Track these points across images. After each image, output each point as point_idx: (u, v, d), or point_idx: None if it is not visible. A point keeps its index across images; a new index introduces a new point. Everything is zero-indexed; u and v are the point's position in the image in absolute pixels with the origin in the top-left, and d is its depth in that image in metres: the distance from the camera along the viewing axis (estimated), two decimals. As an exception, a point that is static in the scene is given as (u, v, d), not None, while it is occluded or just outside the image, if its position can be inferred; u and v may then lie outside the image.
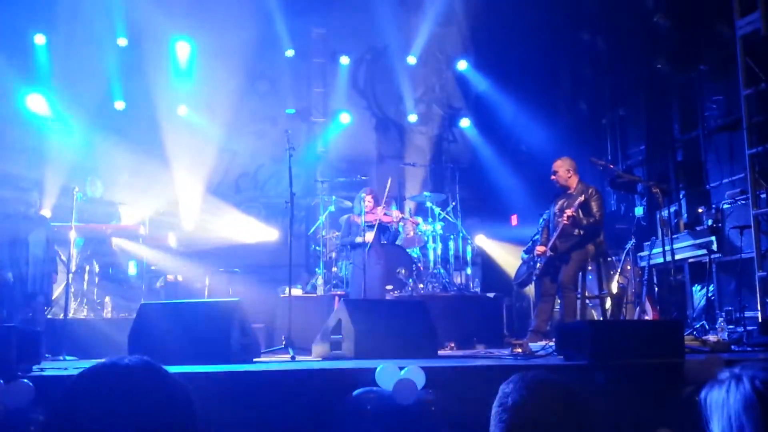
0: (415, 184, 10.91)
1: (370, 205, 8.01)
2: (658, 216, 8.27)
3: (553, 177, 6.79)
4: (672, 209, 8.64)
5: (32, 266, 7.10)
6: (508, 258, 10.00)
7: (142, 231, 8.16)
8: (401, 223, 8.49)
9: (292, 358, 5.31)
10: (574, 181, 6.73)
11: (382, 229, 8.05)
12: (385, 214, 8.06)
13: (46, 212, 8.08)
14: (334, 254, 8.98)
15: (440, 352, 5.68)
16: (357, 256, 7.82)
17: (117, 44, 10.16)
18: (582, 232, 6.49)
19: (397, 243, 8.59)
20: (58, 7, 9.61)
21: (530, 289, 8.85)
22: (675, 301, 8.00)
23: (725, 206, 7.63)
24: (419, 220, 8.91)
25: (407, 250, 8.55)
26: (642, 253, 8.58)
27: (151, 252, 8.45)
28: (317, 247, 9.10)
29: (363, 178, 9.63)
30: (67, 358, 5.88)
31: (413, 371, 2.98)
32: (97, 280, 8.10)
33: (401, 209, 9.19)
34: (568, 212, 6.38)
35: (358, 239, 7.86)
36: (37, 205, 7.43)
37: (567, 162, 6.80)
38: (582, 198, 6.41)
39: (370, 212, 7.96)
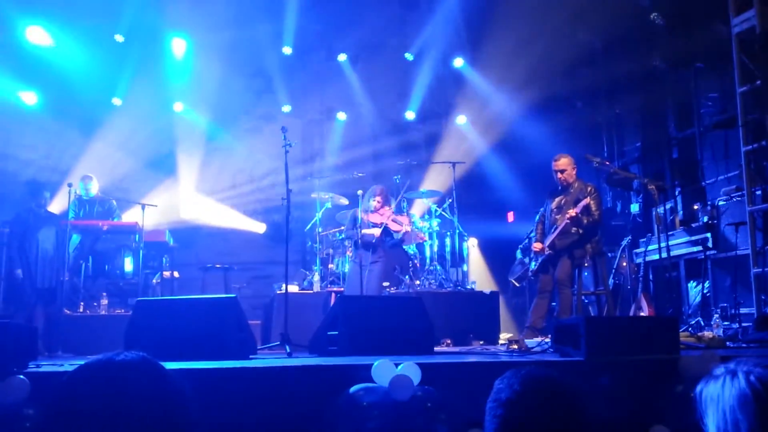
0: (412, 181, 10.91)
1: (378, 205, 8.01)
2: (653, 213, 8.29)
3: (559, 175, 6.76)
4: (668, 206, 8.66)
5: (42, 263, 7.11)
6: (501, 256, 10.03)
7: (139, 227, 8.13)
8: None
9: (289, 354, 5.32)
10: (573, 178, 6.75)
11: (388, 232, 8.06)
12: (393, 220, 8.02)
13: (54, 210, 8.08)
14: (331, 251, 8.98)
15: (436, 349, 5.68)
16: (361, 254, 7.87)
17: (114, 40, 10.13)
18: (581, 231, 6.51)
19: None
20: (55, 2, 9.57)
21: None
22: (670, 298, 8.02)
23: (721, 203, 7.65)
24: (425, 231, 8.85)
25: (404, 247, 8.55)
26: (638, 250, 8.61)
27: (147, 248, 8.44)
28: (314, 244, 9.10)
29: (359, 175, 9.64)
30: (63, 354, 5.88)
31: (409, 367, 2.99)
32: (93, 276, 8.10)
33: (398, 206, 9.18)
34: (572, 212, 6.39)
35: (365, 231, 7.91)
36: (47, 203, 7.44)
37: (571, 159, 6.81)
38: (587, 200, 6.42)
39: (378, 212, 7.98)
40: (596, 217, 6.53)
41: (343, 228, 8.69)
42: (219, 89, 10.54)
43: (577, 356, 3.90)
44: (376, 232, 7.84)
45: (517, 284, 9.34)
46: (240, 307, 5.05)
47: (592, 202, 6.52)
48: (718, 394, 1.56)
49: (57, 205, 8.45)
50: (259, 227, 11.14)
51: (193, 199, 10.81)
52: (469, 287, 8.84)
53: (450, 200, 9.20)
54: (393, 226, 8.05)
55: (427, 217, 9.07)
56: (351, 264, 8.13)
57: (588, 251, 6.59)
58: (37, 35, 9.58)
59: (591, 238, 6.58)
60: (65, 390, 1.43)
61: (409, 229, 8.25)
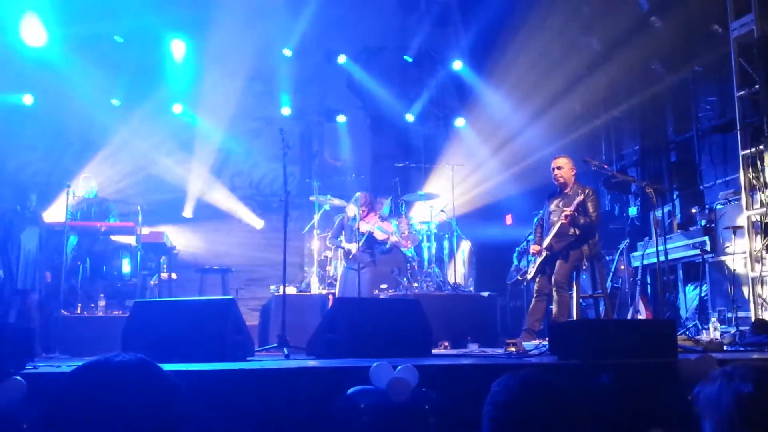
0: (410, 183, 10.92)
1: (363, 213, 7.93)
2: (651, 216, 8.30)
3: (556, 172, 6.77)
4: (666, 209, 8.68)
5: (24, 264, 7.10)
6: (499, 259, 10.01)
7: (137, 229, 8.13)
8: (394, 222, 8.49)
9: (287, 356, 5.32)
10: (572, 181, 6.75)
11: (373, 240, 8.00)
12: (378, 228, 7.97)
13: (47, 213, 8.05)
14: (329, 253, 8.98)
15: (434, 351, 5.68)
16: (347, 263, 7.89)
17: (113, 41, 10.13)
18: (578, 232, 6.51)
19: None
20: (55, 2, 9.57)
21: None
22: (668, 301, 8.03)
23: (718, 207, 7.66)
24: (406, 218, 8.85)
25: (402, 250, 8.55)
26: (635, 253, 8.61)
27: (144, 250, 8.43)
28: (311, 246, 9.10)
29: (359, 177, 9.66)
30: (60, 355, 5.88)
31: (407, 370, 2.99)
32: (90, 277, 8.11)
33: (396, 208, 9.17)
34: (568, 211, 6.40)
35: (345, 246, 7.90)
36: (32, 205, 7.42)
37: (570, 161, 6.83)
38: (581, 197, 6.43)
39: (363, 219, 7.91)
40: (593, 219, 6.54)
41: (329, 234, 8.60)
42: (218, 91, 10.54)
43: (575, 359, 3.90)
44: (353, 248, 7.78)
45: (521, 279, 9.30)
46: (238, 309, 5.05)
47: (589, 203, 6.53)
48: (715, 397, 1.56)
49: (55, 205, 8.45)
50: (257, 222, 11.19)
51: (207, 180, 10.83)
52: (467, 290, 8.85)
53: (448, 203, 9.21)
54: (378, 235, 8.00)
55: (425, 220, 9.07)
56: (342, 269, 8.09)
57: (585, 253, 6.58)
58: (34, 35, 9.56)
59: (588, 239, 6.58)
60: (63, 391, 1.43)
61: (395, 239, 8.19)
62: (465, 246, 9.74)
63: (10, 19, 9.29)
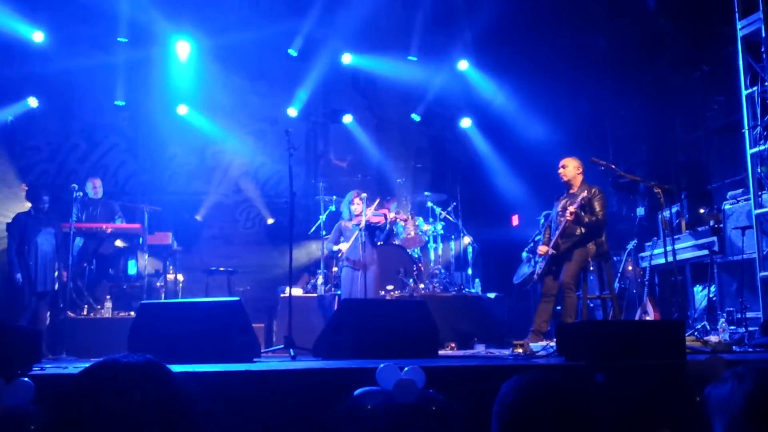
0: (416, 184, 10.91)
1: (359, 208, 7.52)
2: (659, 216, 8.25)
3: (560, 170, 6.78)
4: (673, 210, 8.64)
5: (42, 267, 7.13)
6: (506, 260, 9.97)
7: (142, 230, 8.15)
8: (399, 222, 8.37)
9: (293, 357, 5.31)
10: (578, 181, 6.73)
11: (372, 229, 7.60)
12: (374, 214, 7.60)
13: (57, 212, 8.08)
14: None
15: (441, 352, 5.67)
16: (346, 264, 7.62)
17: (117, 42, 10.14)
18: (584, 230, 6.49)
19: (397, 243, 8.57)
20: (58, 4, 9.59)
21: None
22: (676, 302, 7.99)
23: (727, 207, 7.62)
24: (413, 218, 8.76)
25: (407, 251, 8.53)
26: (643, 254, 8.57)
27: (150, 251, 8.44)
28: (317, 247, 9.09)
29: (365, 177, 9.64)
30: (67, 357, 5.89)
31: (414, 371, 2.97)
32: (96, 279, 8.13)
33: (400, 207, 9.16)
34: (571, 209, 6.38)
35: (335, 248, 7.62)
36: (45, 207, 7.45)
37: (577, 161, 6.82)
38: (585, 194, 6.41)
39: (357, 215, 7.53)
40: (600, 217, 6.51)
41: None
42: (223, 92, 10.55)
43: (582, 360, 3.88)
44: (344, 247, 7.49)
45: (529, 279, 9.27)
46: (244, 310, 5.05)
47: (596, 202, 6.50)
48: (726, 398, 1.55)
49: (60, 207, 8.47)
50: (268, 218, 11.18)
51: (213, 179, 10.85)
52: (474, 291, 8.84)
53: (454, 203, 9.20)
54: (374, 219, 7.54)
55: (431, 220, 9.06)
56: (344, 270, 7.73)
57: (591, 252, 6.56)
58: (39, 37, 9.58)
59: (594, 237, 6.55)
60: (70, 392, 1.43)
61: (391, 216, 7.72)
62: (465, 240, 9.72)
63: (15, 22, 9.32)
